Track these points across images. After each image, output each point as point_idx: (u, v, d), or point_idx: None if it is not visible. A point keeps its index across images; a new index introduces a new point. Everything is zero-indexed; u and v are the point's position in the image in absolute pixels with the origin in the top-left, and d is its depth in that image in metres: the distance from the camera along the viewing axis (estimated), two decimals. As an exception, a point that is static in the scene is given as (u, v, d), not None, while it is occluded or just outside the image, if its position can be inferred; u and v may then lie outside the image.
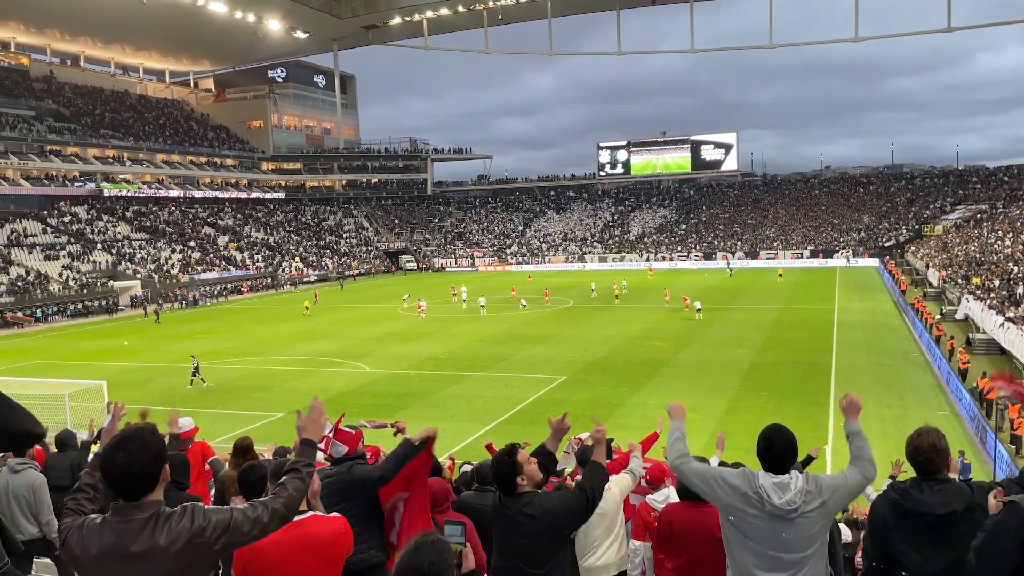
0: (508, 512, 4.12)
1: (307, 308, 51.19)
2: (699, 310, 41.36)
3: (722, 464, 6.37)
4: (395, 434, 5.89)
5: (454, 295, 54.53)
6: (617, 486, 5.18)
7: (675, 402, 4.20)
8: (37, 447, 8.42)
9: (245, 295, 67.86)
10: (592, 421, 4.62)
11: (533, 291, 55.46)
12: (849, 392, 3.95)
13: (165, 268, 67.14)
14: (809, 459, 7.47)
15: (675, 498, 5.11)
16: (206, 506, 2.86)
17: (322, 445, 4.53)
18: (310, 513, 3.56)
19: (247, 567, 3.49)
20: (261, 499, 2.99)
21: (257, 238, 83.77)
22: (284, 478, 3.05)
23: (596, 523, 5.36)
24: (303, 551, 3.41)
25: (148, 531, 2.69)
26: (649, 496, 5.55)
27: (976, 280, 38.53)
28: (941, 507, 3.40)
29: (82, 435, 8.81)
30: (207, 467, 6.95)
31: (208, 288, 65.12)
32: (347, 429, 4.69)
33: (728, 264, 74.92)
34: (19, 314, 51.59)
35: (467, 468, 9.33)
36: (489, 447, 10.65)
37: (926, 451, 3.54)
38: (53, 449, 8.71)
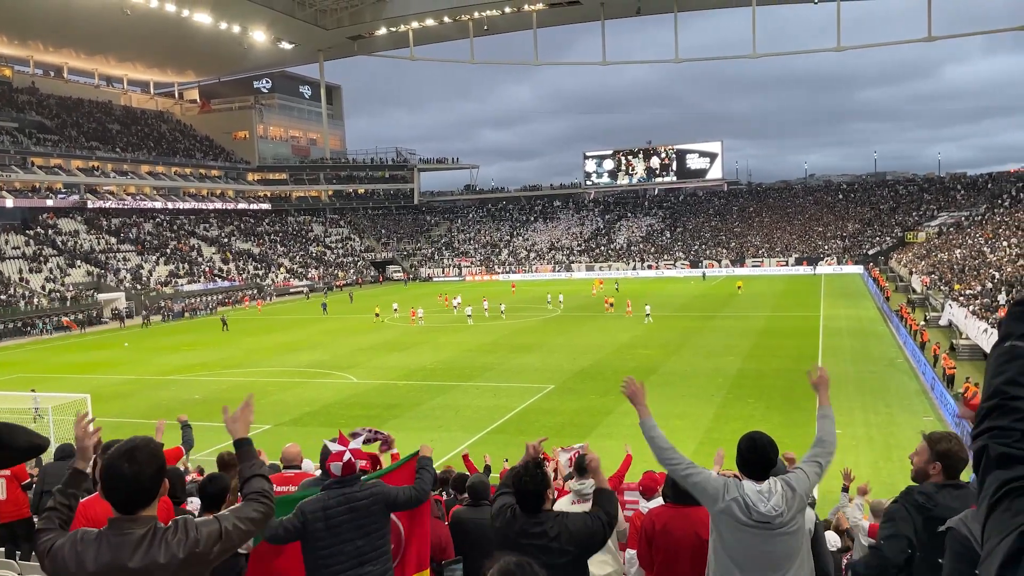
0: (530, 531, 3.95)
1: (377, 314, 50.92)
2: (648, 314, 43.48)
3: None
4: (382, 450, 5.80)
5: (456, 307, 54.41)
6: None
7: (628, 380, 3.99)
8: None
9: (244, 306, 66.48)
10: (584, 451, 4.63)
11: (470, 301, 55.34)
12: (820, 366, 4.03)
13: (149, 280, 66.63)
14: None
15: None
16: (196, 519, 2.85)
17: (338, 467, 4.38)
18: None
19: None
20: (237, 509, 2.95)
21: (242, 248, 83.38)
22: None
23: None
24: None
25: (145, 547, 2.65)
26: (643, 505, 5.55)
27: (958, 286, 38.91)
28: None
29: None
30: None
31: (198, 299, 64.53)
32: (361, 447, 4.55)
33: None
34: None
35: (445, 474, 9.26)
36: (465, 458, 10.67)
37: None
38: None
